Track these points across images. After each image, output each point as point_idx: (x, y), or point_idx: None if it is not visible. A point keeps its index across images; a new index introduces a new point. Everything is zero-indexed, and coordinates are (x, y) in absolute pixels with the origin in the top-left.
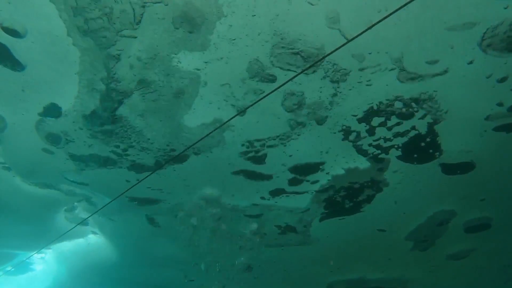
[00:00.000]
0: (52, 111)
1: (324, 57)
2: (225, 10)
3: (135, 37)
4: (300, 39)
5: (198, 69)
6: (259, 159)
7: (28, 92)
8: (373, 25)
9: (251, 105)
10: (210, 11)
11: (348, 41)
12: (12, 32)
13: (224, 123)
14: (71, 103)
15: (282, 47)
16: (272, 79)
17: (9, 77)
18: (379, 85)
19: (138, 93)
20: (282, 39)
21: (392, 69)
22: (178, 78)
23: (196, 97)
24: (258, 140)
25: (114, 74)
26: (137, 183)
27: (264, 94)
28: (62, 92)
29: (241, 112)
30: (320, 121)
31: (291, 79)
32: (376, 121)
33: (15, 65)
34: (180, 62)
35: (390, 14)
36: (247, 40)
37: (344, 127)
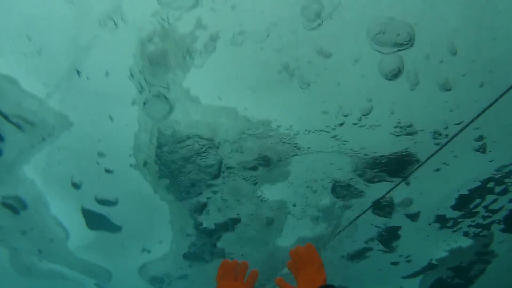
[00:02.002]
0: (152, 254)
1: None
2: (302, 145)
3: (219, 185)
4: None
5: (284, 197)
6: None
7: (128, 246)
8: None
9: (349, 224)
10: (286, 149)
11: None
12: (106, 203)
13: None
14: (169, 247)
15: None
16: (360, 194)
17: (109, 238)
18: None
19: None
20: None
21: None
22: (267, 209)
23: (286, 220)
24: None
25: (204, 219)
26: None
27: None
28: (158, 238)
29: (341, 230)
30: (415, 218)
31: (383, 196)
32: (470, 204)
33: (113, 228)
34: (265, 194)
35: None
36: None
37: (439, 217)
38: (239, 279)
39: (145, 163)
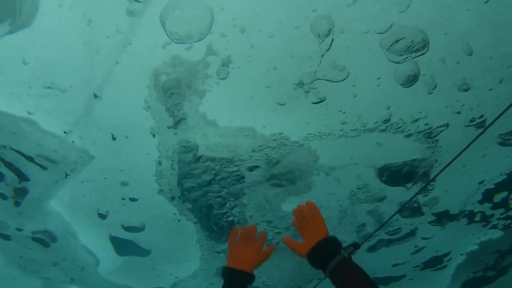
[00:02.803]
0: (182, 273)
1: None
2: (323, 155)
3: (243, 203)
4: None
5: None
6: None
7: (158, 267)
8: None
9: (371, 235)
10: (307, 162)
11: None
12: (133, 229)
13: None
14: (198, 264)
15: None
16: (381, 198)
17: (139, 261)
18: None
19: None
20: None
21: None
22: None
23: None
24: None
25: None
26: None
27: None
28: (187, 257)
29: (364, 241)
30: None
31: (412, 198)
32: (498, 197)
33: (142, 252)
34: (290, 208)
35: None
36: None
37: (466, 212)
38: (249, 243)
39: (172, 198)
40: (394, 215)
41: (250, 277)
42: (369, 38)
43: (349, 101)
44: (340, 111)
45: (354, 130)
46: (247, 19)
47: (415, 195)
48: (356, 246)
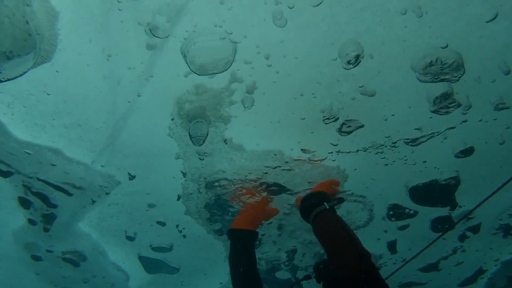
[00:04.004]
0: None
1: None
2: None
3: (270, 222)
4: None
5: None
6: None
7: (186, 283)
8: None
9: (408, 261)
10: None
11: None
12: (161, 249)
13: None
14: (227, 278)
15: None
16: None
17: (168, 278)
18: None
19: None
20: None
21: None
22: None
23: None
24: None
25: (259, 253)
26: None
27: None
28: (216, 272)
29: (407, 262)
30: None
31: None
32: None
33: (171, 270)
34: None
35: None
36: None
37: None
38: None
39: (199, 218)
40: (445, 232)
41: (254, 234)
42: (400, 61)
43: (379, 122)
44: (370, 132)
45: (383, 146)
46: (271, 45)
47: (458, 222)
48: (340, 200)
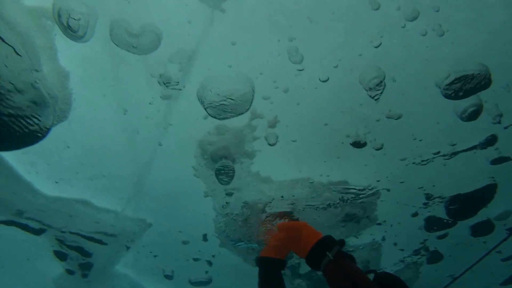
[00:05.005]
0: None
1: None
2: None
3: None
4: None
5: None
6: None
7: None
8: None
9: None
10: (369, 200)
11: None
12: (200, 283)
13: None
14: None
15: None
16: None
17: None
18: None
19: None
20: None
21: None
22: (360, 253)
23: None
24: None
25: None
26: None
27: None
28: None
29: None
30: None
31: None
32: None
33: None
34: (354, 242)
35: None
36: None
37: None
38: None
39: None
40: (503, 241)
41: (281, 262)
42: (423, 80)
43: (408, 141)
44: (399, 151)
45: (414, 163)
46: (288, 78)
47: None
48: (341, 244)
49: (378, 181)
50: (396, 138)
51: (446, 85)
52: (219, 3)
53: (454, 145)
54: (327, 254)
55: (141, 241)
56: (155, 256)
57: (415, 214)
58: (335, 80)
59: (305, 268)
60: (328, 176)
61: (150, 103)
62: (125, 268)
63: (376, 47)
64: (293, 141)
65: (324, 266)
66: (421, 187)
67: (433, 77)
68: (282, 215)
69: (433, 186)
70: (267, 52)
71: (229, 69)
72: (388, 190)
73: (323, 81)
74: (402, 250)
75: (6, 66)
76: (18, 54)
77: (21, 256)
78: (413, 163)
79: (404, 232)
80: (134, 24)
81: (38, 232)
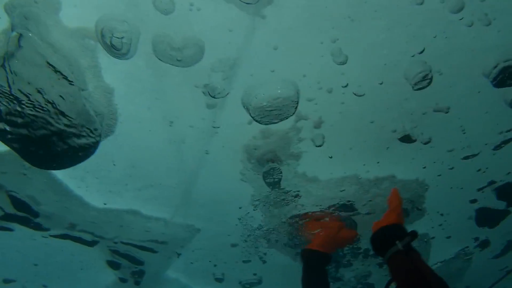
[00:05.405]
0: None
1: None
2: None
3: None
4: None
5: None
6: None
7: None
8: None
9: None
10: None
11: None
12: (251, 285)
13: None
14: None
15: None
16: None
17: None
18: None
19: None
20: None
21: None
22: None
23: (431, 247)
24: None
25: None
26: None
27: None
28: None
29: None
30: None
31: None
32: None
33: None
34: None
35: None
36: None
37: None
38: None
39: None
40: None
41: (326, 256)
42: (469, 70)
43: (456, 134)
44: (448, 144)
45: (463, 156)
46: (332, 79)
47: None
48: (413, 235)
49: (424, 169)
50: (444, 130)
51: (495, 74)
52: (259, 9)
53: (505, 132)
54: (396, 243)
55: (190, 246)
56: (204, 260)
57: (470, 202)
58: (378, 76)
59: None
60: (374, 172)
61: (194, 113)
62: (176, 272)
63: (419, 42)
64: (339, 137)
65: (390, 255)
66: (471, 178)
67: (481, 67)
68: (323, 215)
69: (484, 175)
70: (310, 55)
71: (272, 74)
72: (437, 182)
73: (366, 79)
74: (449, 237)
75: (63, 99)
76: (70, 82)
77: (75, 266)
78: (462, 155)
79: (454, 224)
80: (176, 37)
81: (91, 244)
